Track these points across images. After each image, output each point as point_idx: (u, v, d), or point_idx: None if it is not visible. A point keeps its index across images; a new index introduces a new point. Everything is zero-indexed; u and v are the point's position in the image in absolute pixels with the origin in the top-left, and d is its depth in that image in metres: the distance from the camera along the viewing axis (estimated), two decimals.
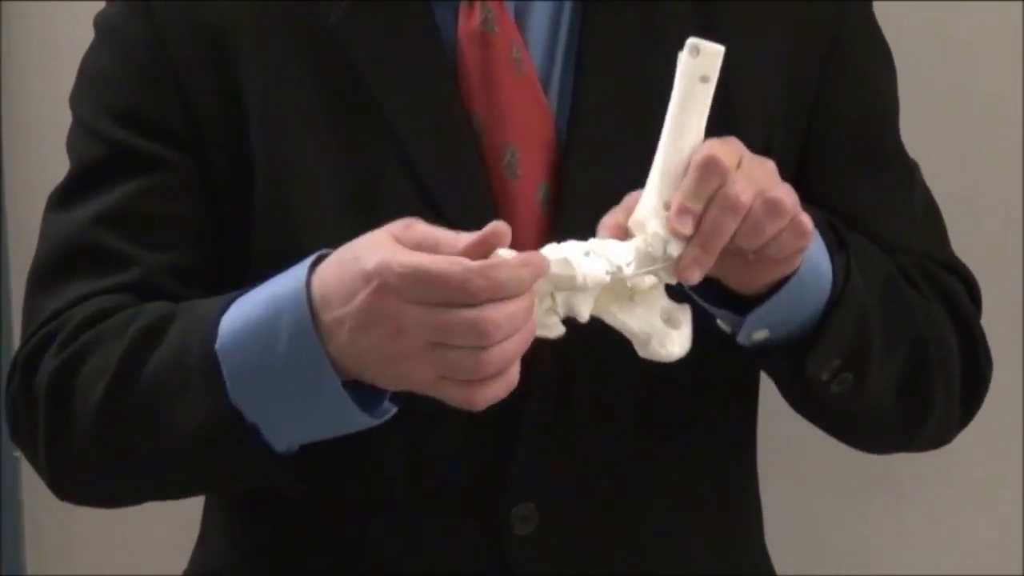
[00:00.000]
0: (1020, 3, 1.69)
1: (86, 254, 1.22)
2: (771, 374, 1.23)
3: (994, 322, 1.62)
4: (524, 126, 1.21)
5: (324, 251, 1.11)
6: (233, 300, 1.13)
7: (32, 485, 1.94)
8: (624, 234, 1.09)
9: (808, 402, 1.27)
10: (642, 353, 1.10)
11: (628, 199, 1.10)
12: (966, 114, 1.74)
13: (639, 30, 1.23)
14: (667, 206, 1.08)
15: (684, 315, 1.10)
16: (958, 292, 1.31)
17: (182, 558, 1.41)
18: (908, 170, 1.34)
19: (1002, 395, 1.65)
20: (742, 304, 1.15)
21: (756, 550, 1.38)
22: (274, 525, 1.28)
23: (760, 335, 1.16)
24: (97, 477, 1.22)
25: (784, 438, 1.53)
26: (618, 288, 1.08)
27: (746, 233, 1.07)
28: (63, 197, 1.25)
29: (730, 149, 1.09)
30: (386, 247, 1.05)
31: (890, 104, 1.33)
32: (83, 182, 1.24)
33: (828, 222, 1.20)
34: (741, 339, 1.17)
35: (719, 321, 1.17)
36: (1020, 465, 1.76)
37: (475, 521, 1.23)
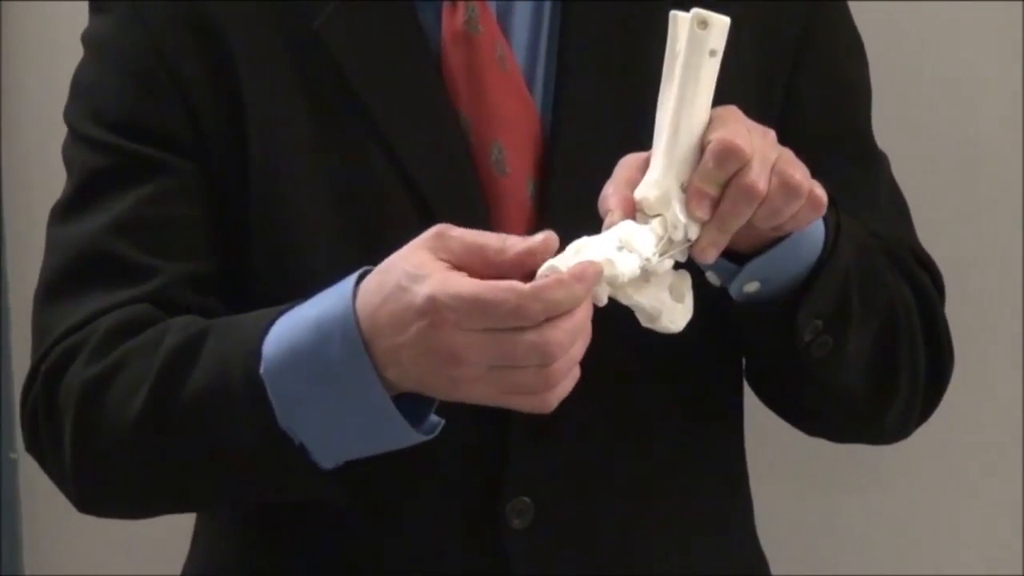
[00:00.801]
0: (1020, 3, 1.69)
1: (102, 264, 1.21)
2: (754, 338, 1.24)
3: (994, 322, 1.70)
4: (511, 123, 1.21)
5: (366, 268, 1.11)
6: (273, 321, 1.13)
7: (30, 487, 2.01)
8: (634, 210, 1.09)
9: (784, 375, 1.26)
10: (648, 325, 1.10)
11: (624, 170, 1.10)
12: (966, 114, 1.73)
13: (619, 28, 1.24)
14: (683, 188, 1.08)
15: (686, 285, 1.11)
16: (924, 280, 1.31)
17: (179, 559, 1.40)
18: (876, 159, 1.34)
19: (1002, 395, 1.72)
20: (736, 256, 1.16)
21: (748, 540, 1.39)
22: (269, 523, 1.28)
23: (752, 287, 1.17)
24: (126, 490, 1.22)
25: (775, 436, 1.52)
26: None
27: (764, 216, 1.08)
28: (68, 208, 1.25)
29: (741, 127, 1.08)
30: (431, 273, 1.05)
31: (859, 95, 1.34)
32: (89, 192, 1.24)
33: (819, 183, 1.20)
34: (732, 291, 1.17)
35: (708, 274, 1.18)
36: (1020, 465, 1.76)
37: (472, 516, 1.23)
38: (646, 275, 1.09)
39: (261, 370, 1.11)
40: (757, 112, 1.24)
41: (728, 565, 1.34)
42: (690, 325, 1.14)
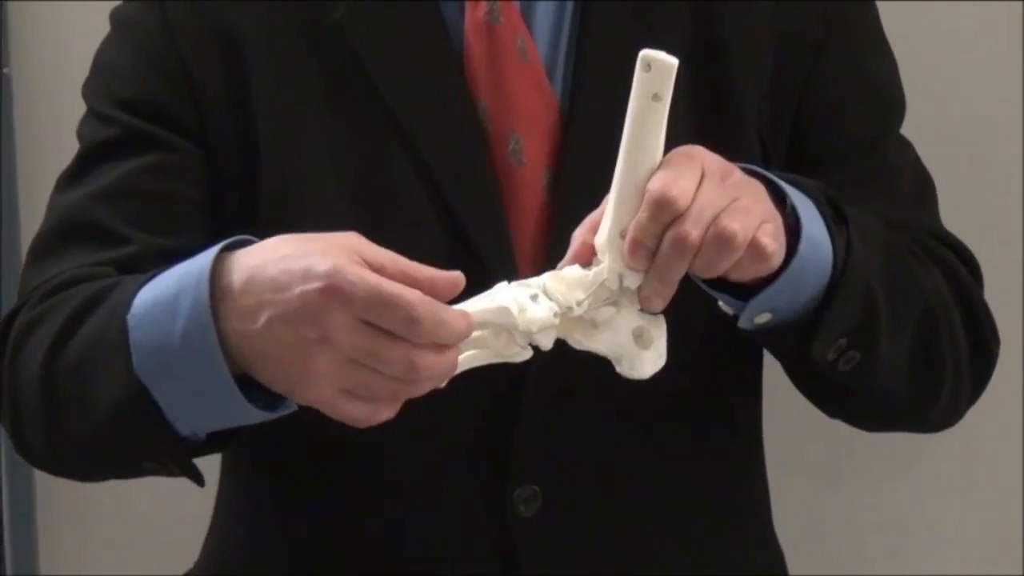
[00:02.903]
0: (1020, 3, 1.69)
1: (82, 229, 1.24)
2: (776, 355, 1.23)
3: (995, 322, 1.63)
4: (529, 113, 1.22)
5: (246, 237, 1.11)
6: (158, 273, 1.13)
7: (45, 488, 1.99)
8: (591, 255, 1.08)
9: (815, 383, 1.26)
10: (617, 370, 1.09)
11: (594, 215, 1.09)
12: (966, 114, 1.73)
13: (636, 21, 1.24)
14: (623, 235, 1.06)
15: (658, 330, 1.09)
16: (955, 263, 1.30)
17: (192, 559, 1.41)
18: (899, 150, 1.34)
19: (1003, 394, 1.64)
20: (743, 288, 1.13)
21: (764, 536, 1.39)
22: (282, 508, 1.30)
23: (763, 319, 1.15)
24: (43, 441, 1.22)
25: (791, 433, 1.54)
26: (578, 319, 1.08)
27: (700, 268, 1.06)
28: (68, 177, 1.27)
29: (689, 171, 1.06)
30: (344, 255, 1.04)
31: (881, 92, 1.33)
32: (88, 162, 1.26)
33: (827, 197, 1.19)
34: (743, 323, 1.15)
35: (721, 304, 1.16)
36: (1020, 465, 1.76)
37: (480, 503, 1.24)
38: (592, 321, 1.08)
39: (127, 316, 1.11)
40: (774, 96, 1.25)
41: (741, 563, 1.34)
42: (708, 327, 1.14)
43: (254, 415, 1.09)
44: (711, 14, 1.26)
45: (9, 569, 2.00)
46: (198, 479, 1.16)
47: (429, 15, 1.23)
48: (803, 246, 1.11)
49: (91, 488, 1.81)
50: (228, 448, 1.20)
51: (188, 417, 1.12)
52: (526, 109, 1.22)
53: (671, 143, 1.18)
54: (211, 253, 1.08)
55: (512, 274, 1.13)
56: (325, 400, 1.05)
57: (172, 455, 1.14)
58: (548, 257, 1.14)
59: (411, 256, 1.08)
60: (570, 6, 1.25)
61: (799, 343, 1.17)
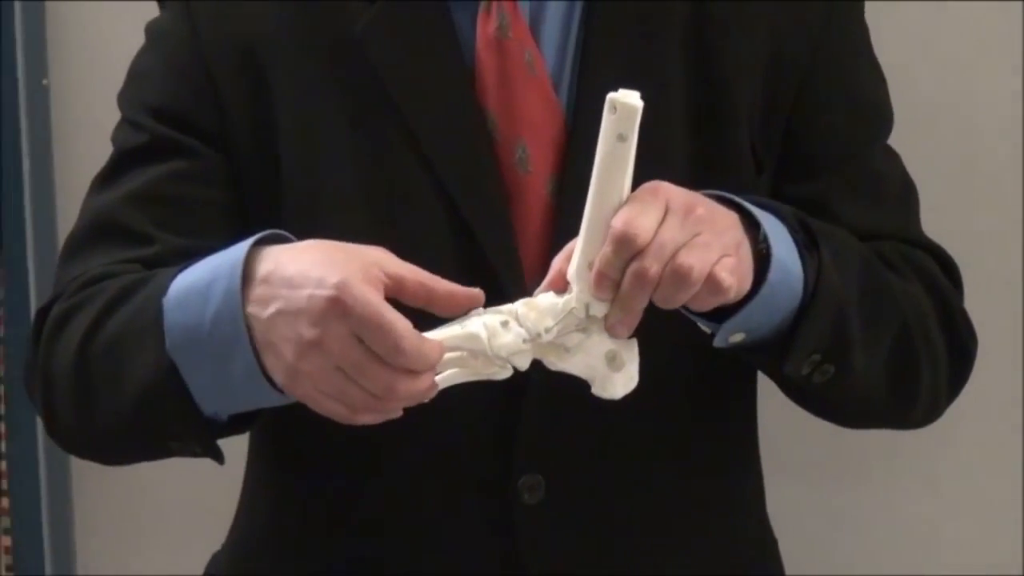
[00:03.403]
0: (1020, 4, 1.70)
1: (112, 230, 1.27)
2: (756, 367, 1.26)
3: (995, 322, 1.59)
4: (535, 124, 1.24)
5: (280, 232, 1.15)
6: (194, 262, 1.16)
7: (81, 489, 2.05)
8: (565, 283, 1.10)
9: (794, 391, 1.28)
10: (592, 391, 1.12)
11: (569, 245, 1.11)
12: (966, 116, 1.74)
13: (637, 29, 1.26)
14: (591, 267, 1.09)
15: (629, 354, 1.11)
16: (933, 269, 1.32)
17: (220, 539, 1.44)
18: (886, 160, 1.35)
19: (1002, 395, 1.73)
20: (719, 309, 1.15)
21: (758, 523, 1.41)
22: (301, 492, 1.32)
23: (737, 338, 1.17)
24: (76, 424, 1.24)
25: (791, 432, 1.54)
26: (550, 343, 1.10)
27: (659, 299, 1.08)
28: (101, 180, 1.30)
29: (652, 208, 1.08)
30: (359, 277, 1.07)
31: (870, 108, 1.35)
32: (120, 166, 1.29)
33: (800, 221, 1.20)
34: (719, 342, 1.17)
35: (699, 323, 1.18)
36: (1020, 465, 1.76)
37: (487, 491, 1.26)
38: (563, 345, 1.10)
39: (163, 299, 1.14)
40: (766, 104, 1.27)
41: (736, 548, 1.36)
42: (705, 333, 1.16)
43: (273, 397, 1.12)
44: (708, 36, 1.27)
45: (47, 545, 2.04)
46: (219, 458, 1.19)
47: (444, 31, 1.25)
48: (772, 273, 1.14)
49: (126, 477, 1.83)
50: (247, 431, 1.23)
51: (213, 397, 1.15)
52: (532, 120, 1.24)
53: (670, 163, 1.22)
54: (246, 244, 1.12)
55: (518, 277, 1.18)
56: (309, 396, 1.09)
57: (196, 435, 1.17)
58: (552, 260, 1.15)
59: (421, 257, 1.12)
60: (576, 22, 1.26)
61: (774, 359, 1.19)
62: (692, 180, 1.21)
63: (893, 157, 1.36)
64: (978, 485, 1.80)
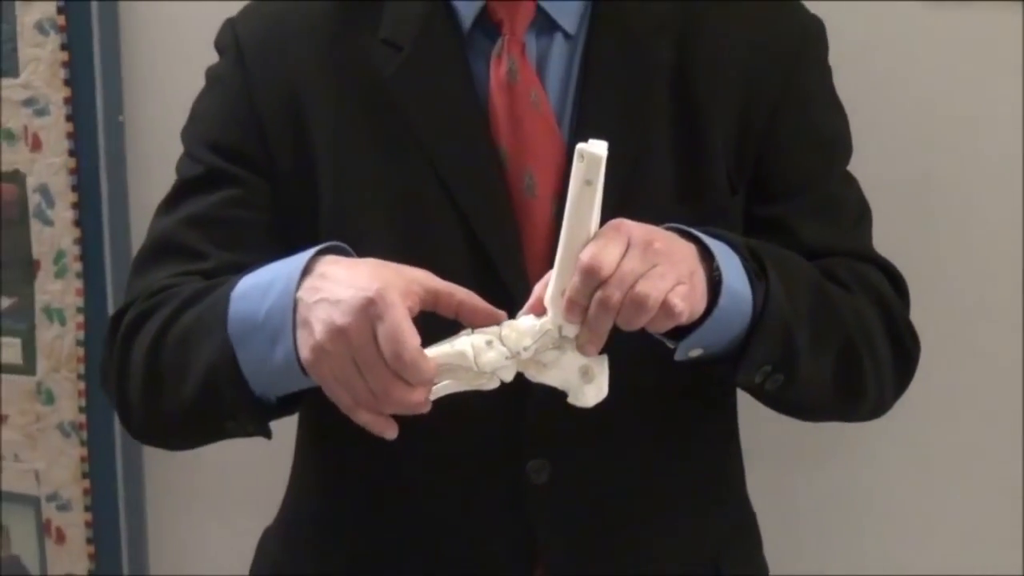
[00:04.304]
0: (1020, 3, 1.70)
1: (173, 248, 1.34)
2: (715, 376, 1.30)
3: (995, 322, 1.72)
4: (541, 155, 1.31)
5: (342, 244, 1.22)
6: (264, 264, 1.23)
7: (155, 489, 2.13)
8: (542, 308, 1.17)
9: (752, 394, 1.34)
10: (568, 400, 1.19)
11: (548, 274, 1.18)
12: (966, 120, 1.73)
13: (628, 72, 1.32)
14: (563, 294, 1.16)
15: (600, 367, 1.18)
16: (881, 284, 1.37)
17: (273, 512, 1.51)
18: (844, 187, 1.41)
19: (1003, 394, 1.75)
20: (679, 329, 1.21)
21: (740, 498, 1.49)
22: (339, 472, 1.40)
23: (695, 353, 1.24)
24: (145, 413, 1.30)
25: (792, 432, 1.57)
26: (529, 359, 1.18)
27: (622, 322, 1.15)
28: (164, 205, 1.39)
29: (615, 243, 1.14)
30: (400, 286, 1.15)
31: (831, 144, 1.41)
32: (181, 194, 1.37)
33: (751, 250, 1.26)
34: (679, 356, 1.23)
35: (664, 341, 1.24)
36: (1020, 464, 1.77)
37: (498, 474, 1.33)
38: (539, 361, 1.17)
39: (232, 292, 1.22)
40: (738, 139, 1.33)
41: (722, 518, 1.43)
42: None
43: (302, 381, 1.20)
44: (690, 79, 1.34)
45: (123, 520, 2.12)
46: (268, 435, 1.27)
47: (461, 76, 1.33)
48: (723, 298, 1.21)
49: (189, 463, 1.89)
50: (294, 413, 1.29)
51: (261, 379, 1.21)
52: (538, 151, 1.31)
53: (658, 187, 1.30)
54: (310, 252, 1.20)
55: (526, 290, 1.23)
56: (325, 378, 1.17)
57: (249, 414, 1.24)
58: None
59: (441, 273, 1.20)
60: (576, 65, 1.33)
61: (729, 371, 1.26)
62: (677, 202, 1.33)
63: (850, 182, 1.44)
64: (978, 484, 1.80)
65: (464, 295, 1.19)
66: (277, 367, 1.20)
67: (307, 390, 1.23)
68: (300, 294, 1.18)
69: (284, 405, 1.27)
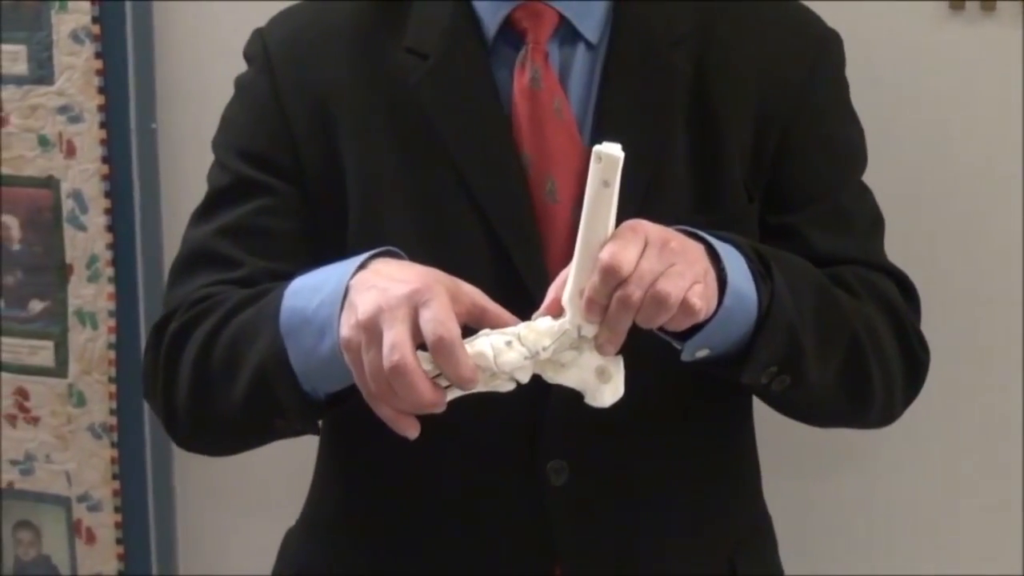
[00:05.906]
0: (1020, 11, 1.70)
1: (208, 257, 1.36)
2: (722, 378, 1.30)
3: (994, 322, 1.74)
4: (563, 162, 1.32)
5: (396, 249, 1.24)
6: (318, 266, 1.24)
7: (184, 490, 2.13)
8: (560, 308, 1.17)
9: (762, 397, 1.35)
10: (585, 400, 1.19)
11: (562, 275, 1.18)
12: (968, 125, 1.74)
13: (647, 83, 1.34)
14: (582, 294, 1.16)
15: (616, 367, 1.18)
16: (890, 291, 1.39)
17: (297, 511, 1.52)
18: (857, 197, 1.43)
19: (1003, 394, 1.77)
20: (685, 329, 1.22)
21: (756, 498, 1.49)
22: (363, 471, 1.40)
23: (702, 353, 1.24)
24: (193, 421, 1.31)
25: (792, 432, 1.55)
26: (547, 359, 1.18)
27: (641, 321, 1.16)
28: (198, 215, 1.40)
29: (633, 243, 1.14)
30: (445, 286, 1.16)
31: (846, 156, 1.42)
32: (213, 204, 1.39)
33: (757, 252, 1.26)
34: (685, 357, 1.24)
35: (671, 341, 1.24)
36: (1021, 464, 1.78)
37: (519, 475, 1.34)
38: (560, 360, 1.17)
39: (285, 291, 1.22)
40: (754, 148, 1.33)
41: (739, 518, 1.45)
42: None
43: (345, 374, 1.19)
44: (707, 91, 1.35)
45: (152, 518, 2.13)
46: (317, 432, 1.28)
47: (485, 84, 1.34)
48: (727, 299, 1.21)
49: (222, 463, 1.81)
50: (342, 408, 1.28)
51: (309, 373, 1.22)
52: (560, 157, 1.32)
53: (676, 195, 1.30)
54: (361, 258, 1.21)
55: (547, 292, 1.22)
56: (354, 361, 1.16)
57: (298, 411, 1.24)
58: None
59: (464, 276, 1.21)
60: (597, 73, 1.35)
61: (734, 371, 1.27)
62: (694, 209, 1.34)
63: (864, 193, 1.45)
64: (978, 485, 1.80)
65: (510, 320, 1.19)
66: (323, 359, 1.21)
67: (355, 388, 1.23)
68: (351, 282, 1.19)
69: (332, 403, 1.28)
